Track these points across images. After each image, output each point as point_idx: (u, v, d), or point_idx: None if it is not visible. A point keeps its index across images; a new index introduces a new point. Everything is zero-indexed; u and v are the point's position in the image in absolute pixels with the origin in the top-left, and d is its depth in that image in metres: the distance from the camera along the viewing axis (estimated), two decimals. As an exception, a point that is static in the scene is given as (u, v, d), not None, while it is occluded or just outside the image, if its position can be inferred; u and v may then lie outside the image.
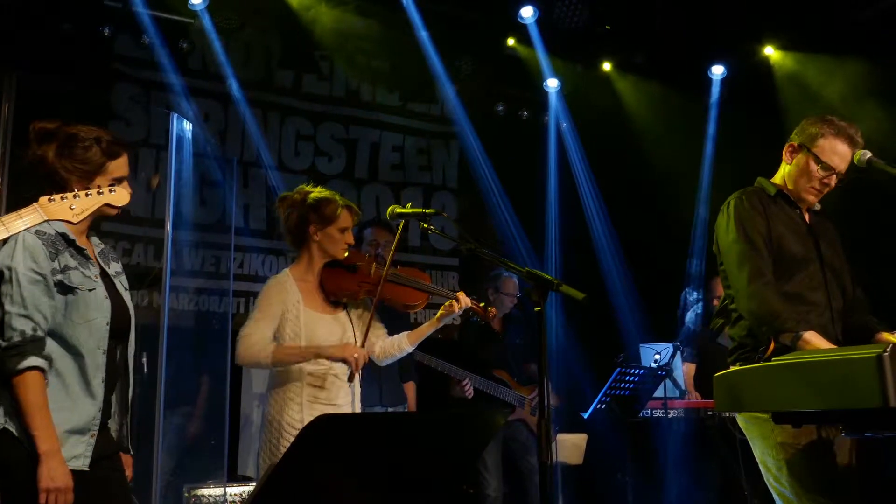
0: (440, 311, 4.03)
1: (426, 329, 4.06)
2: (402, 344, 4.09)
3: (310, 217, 3.95)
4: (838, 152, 3.48)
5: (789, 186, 3.59)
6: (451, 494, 2.66)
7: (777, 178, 3.66)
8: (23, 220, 2.50)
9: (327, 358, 3.81)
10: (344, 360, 3.79)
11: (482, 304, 4.14)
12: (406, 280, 4.06)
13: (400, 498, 2.34)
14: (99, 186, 2.70)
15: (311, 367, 3.84)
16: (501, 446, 6.28)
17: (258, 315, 3.88)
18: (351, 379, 3.82)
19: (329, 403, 3.86)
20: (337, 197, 4.01)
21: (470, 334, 6.58)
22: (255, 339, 3.81)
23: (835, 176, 3.50)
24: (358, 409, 4.04)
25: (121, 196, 2.69)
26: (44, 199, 2.55)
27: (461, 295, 4.02)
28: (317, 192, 4.00)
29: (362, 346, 3.88)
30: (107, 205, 2.69)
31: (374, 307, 3.92)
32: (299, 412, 3.82)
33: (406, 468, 2.30)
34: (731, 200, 3.56)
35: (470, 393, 6.01)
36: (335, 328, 3.96)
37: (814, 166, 3.51)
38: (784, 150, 3.64)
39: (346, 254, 4.01)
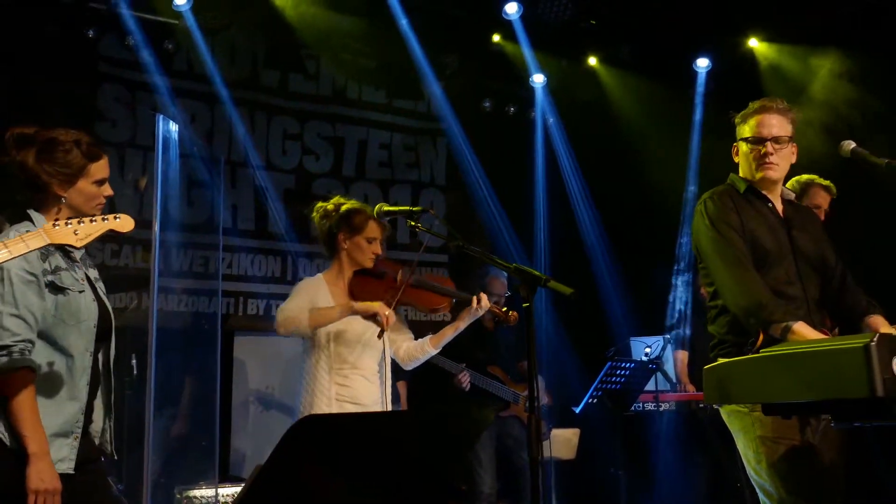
0: (461, 314, 4.21)
1: (448, 331, 4.24)
2: (425, 347, 4.28)
3: (340, 226, 4.18)
4: (761, 122, 3.53)
5: (750, 178, 3.62)
6: (442, 491, 2.66)
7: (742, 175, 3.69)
8: (25, 244, 2.55)
9: (359, 312, 3.94)
10: (374, 317, 3.90)
11: (504, 309, 4.28)
12: (429, 285, 4.24)
13: (391, 497, 2.34)
14: (104, 216, 2.76)
15: (336, 365, 4.02)
16: (496, 443, 6.29)
17: (292, 298, 4.11)
18: (380, 336, 3.93)
19: (354, 402, 4.01)
20: (367, 208, 4.22)
21: (462, 332, 6.57)
22: (292, 306, 4.01)
23: (769, 143, 3.52)
24: (388, 407, 4.23)
25: (125, 223, 2.77)
26: (48, 225, 2.62)
27: (483, 296, 4.18)
28: (349, 204, 4.23)
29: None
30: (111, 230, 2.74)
31: (394, 307, 4.02)
32: (328, 407, 3.96)
33: (395, 467, 2.31)
34: (703, 200, 3.60)
35: (467, 385, 6.01)
36: (358, 328, 4.09)
37: (748, 146, 3.57)
38: (732, 154, 3.71)
39: (374, 263, 4.20)
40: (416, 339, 4.40)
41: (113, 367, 3.13)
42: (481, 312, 4.16)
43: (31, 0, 6.32)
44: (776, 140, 3.52)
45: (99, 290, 3.12)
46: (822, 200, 4.87)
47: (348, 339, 4.05)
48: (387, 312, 3.90)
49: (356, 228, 4.15)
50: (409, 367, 4.35)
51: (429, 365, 5.86)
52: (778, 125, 3.53)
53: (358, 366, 4.00)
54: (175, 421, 6.52)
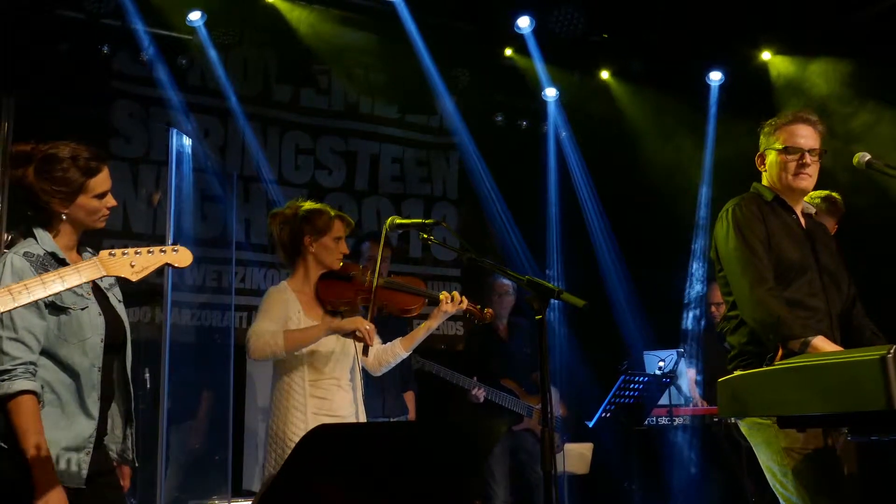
0: (433, 313, 4.04)
1: (420, 333, 4.07)
2: (395, 350, 4.11)
3: (304, 229, 3.99)
4: (796, 133, 3.53)
5: (778, 188, 3.60)
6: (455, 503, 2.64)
7: (766, 184, 3.67)
8: (80, 275, 2.48)
9: (337, 331, 3.81)
10: (354, 334, 3.77)
11: (478, 306, 4.15)
12: (400, 286, 4.10)
13: (403, 508, 2.32)
14: (162, 248, 2.64)
15: (312, 377, 3.86)
16: (509, 457, 6.25)
17: (262, 316, 3.90)
18: (366, 353, 3.80)
19: (332, 414, 3.87)
20: (328, 208, 4.07)
21: (476, 344, 6.56)
22: (264, 330, 3.82)
23: (807, 154, 3.51)
24: (363, 419, 4.06)
25: (183, 256, 2.66)
26: (104, 254, 2.54)
27: (453, 294, 4.04)
28: (308, 205, 4.06)
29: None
30: (167, 263, 2.65)
31: (371, 314, 3.90)
32: (303, 423, 3.80)
33: (406, 478, 2.28)
34: (729, 207, 3.56)
35: (482, 398, 5.96)
36: (332, 338, 3.96)
37: (782, 156, 3.55)
38: (756, 164, 3.68)
39: (341, 263, 4.05)
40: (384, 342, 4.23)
41: (130, 375, 3.12)
42: (453, 310, 4.00)
43: (45, 17, 6.35)
44: (812, 151, 3.52)
45: (112, 297, 3.09)
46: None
47: (323, 351, 3.91)
48: (367, 327, 3.75)
49: (322, 230, 3.98)
50: (379, 372, 4.18)
51: (440, 378, 5.85)
52: (812, 137, 3.54)
53: (334, 375, 3.88)
54: (189, 435, 6.52)
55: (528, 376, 6.42)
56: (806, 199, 3.83)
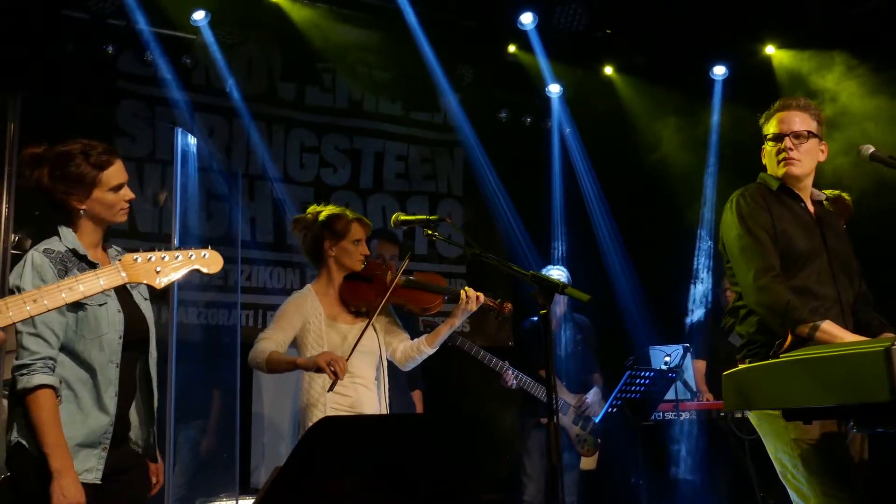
0: (454, 311, 4.10)
1: (443, 330, 4.12)
2: (421, 346, 4.17)
3: (323, 234, 4.11)
4: (780, 120, 3.55)
5: (774, 176, 3.61)
6: (461, 496, 2.65)
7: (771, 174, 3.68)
8: (100, 280, 2.45)
9: (304, 369, 3.84)
10: (317, 370, 3.74)
11: (498, 300, 4.19)
12: (420, 284, 4.16)
13: (407, 500, 2.33)
14: (191, 251, 2.55)
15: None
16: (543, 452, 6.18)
17: (274, 325, 4.02)
18: (331, 388, 3.77)
19: (354, 412, 3.92)
20: (347, 212, 4.16)
21: (527, 338, 6.48)
22: (262, 344, 3.91)
23: (787, 139, 3.51)
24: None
25: (213, 261, 2.58)
26: (128, 258, 2.48)
27: (471, 291, 4.07)
28: (327, 210, 4.15)
29: (351, 352, 3.85)
30: (196, 269, 2.56)
31: (377, 311, 3.97)
32: None
33: (412, 471, 2.29)
34: (734, 197, 3.57)
35: (512, 384, 5.91)
36: (344, 336, 4.03)
37: (768, 147, 3.60)
38: (761, 157, 3.72)
39: (363, 265, 4.13)
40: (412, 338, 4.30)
41: (154, 373, 3.14)
42: (474, 307, 4.05)
43: (50, 18, 6.37)
44: (796, 135, 3.51)
45: (138, 294, 3.12)
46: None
47: (335, 348, 3.94)
48: (331, 363, 3.65)
49: (340, 234, 4.09)
50: (406, 367, 4.26)
51: (470, 361, 5.80)
52: (800, 121, 3.52)
53: (355, 374, 3.91)
54: (196, 433, 6.53)
55: (576, 373, 6.35)
56: None
